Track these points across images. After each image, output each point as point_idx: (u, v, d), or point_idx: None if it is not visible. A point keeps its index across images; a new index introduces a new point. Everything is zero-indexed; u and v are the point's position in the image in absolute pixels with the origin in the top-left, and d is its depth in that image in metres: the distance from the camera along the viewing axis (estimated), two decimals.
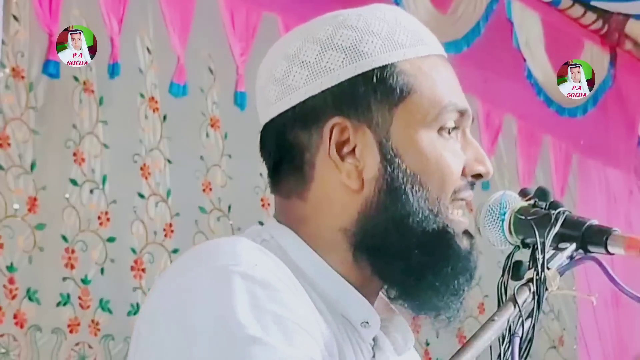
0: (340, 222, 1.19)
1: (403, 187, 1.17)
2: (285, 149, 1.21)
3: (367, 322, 1.19)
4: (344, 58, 1.19)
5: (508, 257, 1.13)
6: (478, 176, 1.21)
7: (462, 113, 1.21)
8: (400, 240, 1.17)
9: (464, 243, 1.19)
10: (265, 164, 1.25)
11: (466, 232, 1.20)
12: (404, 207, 1.17)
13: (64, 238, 3.03)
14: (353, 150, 1.19)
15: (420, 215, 1.17)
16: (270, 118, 1.22)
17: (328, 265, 1.19)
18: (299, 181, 1.21)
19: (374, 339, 1.21)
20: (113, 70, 3.13)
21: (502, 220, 1.15)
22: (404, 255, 1.17)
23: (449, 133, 1.20)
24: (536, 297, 1.05)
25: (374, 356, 1.21)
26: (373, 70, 1.18)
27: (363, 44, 1.19)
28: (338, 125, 1.18)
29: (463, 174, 1.20)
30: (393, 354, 1.23)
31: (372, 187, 1.18)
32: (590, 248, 1.10)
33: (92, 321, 3.09)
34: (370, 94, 1.18)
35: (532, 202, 1.15)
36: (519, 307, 1.04)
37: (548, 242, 1.09)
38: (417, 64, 1.20)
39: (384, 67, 1.19)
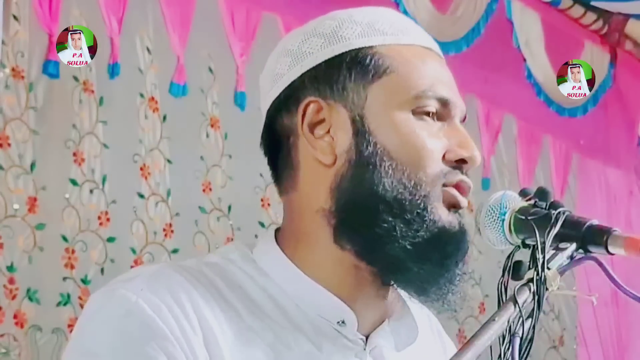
0: (318, 202, 1.21)
1: (372, 159, 1.18)
2: (275, 137, 1.24)
3: (343, 321, 1.19)
4: (322, 42, 1.22)
5: (508, 257, 1.13)
6: (462, 161, 1.20)
7: (444, 102, 1.21)
8: (371, 211, 1.17)
9: (445, 217, 1.18)
10: (267, 162, 1.27)
11: (453, 209, 1.20)
12: (373, 178, 1.18)
13: (64, 238, 3.03)
14: (329, 130, 1.21)
15: (391, 187, 1.17)
16: (265, 110, 1.26)
17: (300, 272, 1.20)
18: (290, 171, 1.24)
19: (367, 337, 1.22)
20: (113, 70, 3.13)
21: (502, 220, 1.15)
22: (376, 227, 1.17)
23: (430, 117, 1.20)
24: (536, 297, 1.05)
25: (368, 353, 1.21)
26: (349, 51, 1.21)
27: (342, 30, 1.23)
28: (313, 104, 1.21)
29: (446, 158, 1.20)
30: (391, 351, 1.23)
31: (342, 160, 1.20)
32: (591, 248, 1.10)
33: None
34: (345, 73, 1.21)
35: (532, 202, 1.15)
36: (519, 307, 1.04)
37: (548, 242, 1.09)
38: (396, 49, 1.22)
39: (361, 48, 1.21)
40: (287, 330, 1.18)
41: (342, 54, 1.21)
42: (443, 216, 1.18)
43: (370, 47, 1.21)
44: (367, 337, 1.22)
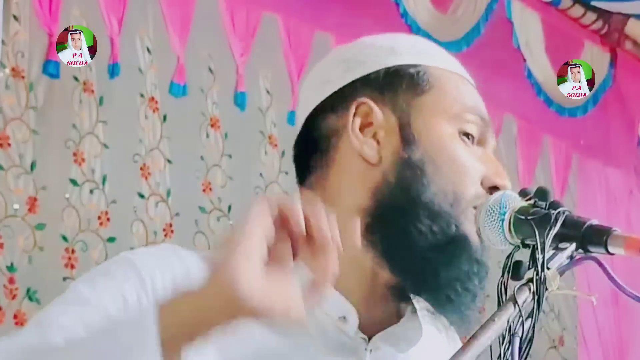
0: (355, 198, 1.22)
1: (420, 165, 1.21)
2: (316, 135, 1.27)
3: (345, 317, 1.20)
4: (377, 54, 1.27)
5: (508, 257, 1.13)
6: (495, 188, 1.23)
7: (484, 122, 1.26)
8: (413, 216, 1.19)
9: (473, 236, 1.20)
10: (295, 156, 1.30)
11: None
12: (419, 184, 1.20)
13: (64, 238, 3.03)
14: (375, 133, 1.24)
15: (435, 195, 1.19)
16: (309, 112, 1.29)
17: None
18: (323, 169, 1.26)
19: (370, 338, 1.22)
20: (113, 70, 3.13)
21: (502, 220, 1.15)
22: (411, 229, 1.18)
23: (470, 141, 1.24)
24: (536, 297, 1.05)
25: (370, 353, 1.22)
26: (403, 65, 1.26)
27: (397, 47, 1.28)
28: (363, 105, 1.24)
29: (483, 184, 1.22)
30: (394, 354, 1.24)
31: (390, 161, 1.22)
32: (590, 248, 1.10)
33: None
34: (396, 82, 1.25)
35: (532, 202, 1.15)
36: (519, 307, 1.04)
37: (548, 242, 1.09)
38: (442, 71, 1.27)
39: (412, 64, 1.26)
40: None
41: (396, 65, 1.26)
42: (472, 235, 1.20)
43: (420, 64, 1.27)
44: (370, 339, 1.23)
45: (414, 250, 1.18)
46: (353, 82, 1.26)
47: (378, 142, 1.23)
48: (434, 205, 1.19)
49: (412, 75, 1.25)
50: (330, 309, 1.20)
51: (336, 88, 1.27)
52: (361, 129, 1.24)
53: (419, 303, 1.25)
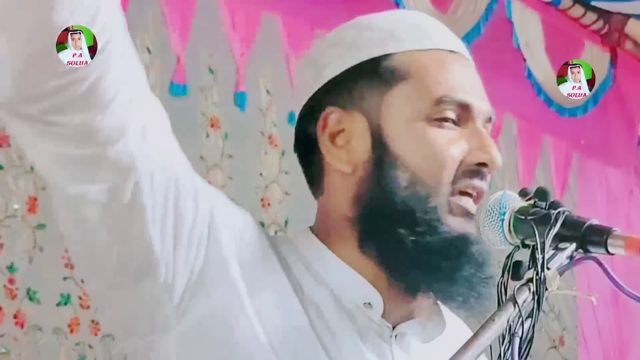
0: (341, 209, 1.24)
1: (390, 170, 1.20)
2: (306, 144, 1.28)
3: (369, 303, 1.22)
4: (342, 52, 1.25)
5: (508, 257, 1.13)
6: (482, 165, 1.22)
7: (464, 106, 1.22)
8: (388, 222, 1.20)
9: (458, 226, 1.21)
10: (300, 164, 1.31)
11: (467, 217, 1.21)
12: (390, 189, 1.20)
13: None
14: (349, 139, 1.23)
15: (406, 199, 1.19)
16: (297, 116, 1.30)
17: (333, 255, 1.23)
18: (320, 175, 1.27)
19: (393, 327, 1.24)
20: None
21: (502, 220, 1.15)
22: (395, 237, 1.20)
23: (449, 122, 1.22)
24: (536, 297, 1.06)
25: (395, 339, 1.24)
26: (367, 60, 1.23)
27: (362, 39, 1.25)
28: (331, 114, 1.24)
29: (465, 162, 1.21)
30: (417, 342, 1.26)
31: (362, 170, 1.22)
32: (590, 248, 1.11)
33: (93, 321, 3.08)
34: (362, 82, 1.23)
35: (532, 202, 1.15)
36: (518, 307, 1.04)
37: (548, 242, 1.09)
38: (415, 56, 1.24)
39: (378, 57, 1.23)
40: (330, 308, 1.22)
41: (361, 63, 1.23)
42: (456, 225, 1.20)
43: (388, 55, 1.23)
44: (394, 328, 1.25)
45: (400, 258, 1.20)
46: (323, 86, 1.25)
47: (350, 145, 1.23)
48: (408, 211, 1.19)
49: (378, 70, 1.23)
50: (356, 296, 1.22)
51: (310, 94, 1.27)
52: (334, 137, 1.24)
53: None
